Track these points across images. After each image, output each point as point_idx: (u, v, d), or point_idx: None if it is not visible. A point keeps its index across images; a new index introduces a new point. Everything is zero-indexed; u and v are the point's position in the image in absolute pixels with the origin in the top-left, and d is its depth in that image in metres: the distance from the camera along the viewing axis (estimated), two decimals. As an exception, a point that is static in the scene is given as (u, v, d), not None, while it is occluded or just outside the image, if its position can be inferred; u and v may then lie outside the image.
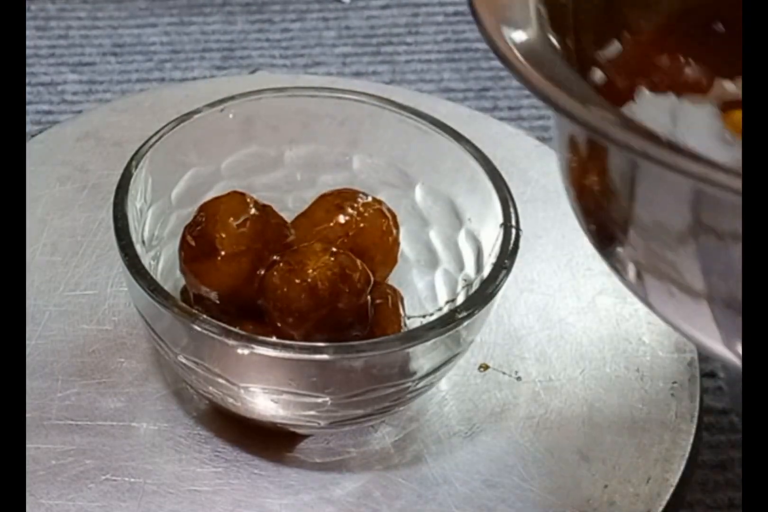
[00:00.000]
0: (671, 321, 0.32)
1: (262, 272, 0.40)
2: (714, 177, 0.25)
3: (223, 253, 0.40)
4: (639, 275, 0.31)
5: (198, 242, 0.40)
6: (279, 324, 0.40)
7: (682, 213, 0.28)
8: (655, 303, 0.32)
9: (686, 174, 0.25)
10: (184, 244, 0.41)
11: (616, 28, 0.33)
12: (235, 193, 0.42)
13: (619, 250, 0.31)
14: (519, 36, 0.29)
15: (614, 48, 0.33)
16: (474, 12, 0.29)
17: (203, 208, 0.41)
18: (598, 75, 0.32)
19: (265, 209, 0.41)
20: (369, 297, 0.41)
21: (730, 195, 0.25)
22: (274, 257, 0.40)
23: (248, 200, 0.41)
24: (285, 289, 0.40)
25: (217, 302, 0.41)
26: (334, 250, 0.40)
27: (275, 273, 0.40)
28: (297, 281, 0.39)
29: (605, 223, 0.31)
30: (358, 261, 0.41)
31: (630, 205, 0.29)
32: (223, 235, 0.40)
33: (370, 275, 0.41)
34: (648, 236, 0.30)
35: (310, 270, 0.39)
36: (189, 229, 0.41)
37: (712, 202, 0.27)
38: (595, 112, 0.27)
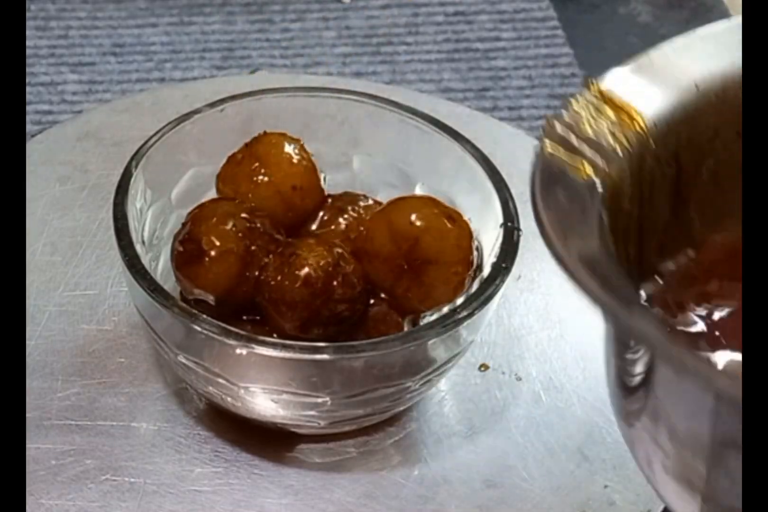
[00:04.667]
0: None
1: (258, 272, 0.40)
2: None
3: (211, 253, 0.40)
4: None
5: (186, 246, 0.41)
6: (275, 317, 0.40)
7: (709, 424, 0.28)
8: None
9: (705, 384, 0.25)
10: (174, 251, 0.41)
11: (680, 243, 0.33)
12: (220, 198, 0.43)
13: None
14: (579, 243, 0.29)
15: (674, 262, 0.33)
16: (537, 216, 0.29)
17: (190, 214, 0.42)
18: (658, 283, 0.32)
19: (253, 211, 0.41)
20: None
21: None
22: (267, 258, 0.40)
23: (234, 203, 0.42)
24: (279, 278, 0.40)
25: (214, 305, 0.41)
26: (327, 244, 0.40)
27: (269, 266, 0.40)
28: (290, 270, 0.39)
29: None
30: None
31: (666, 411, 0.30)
32: (210, 236, 0.40)
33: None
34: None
35: (304, 260, 0.39)
36: (177, 235, 0.41)
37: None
38: (638, 319, 0.27)
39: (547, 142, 0.30)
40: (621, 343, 0.31)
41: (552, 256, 0.29)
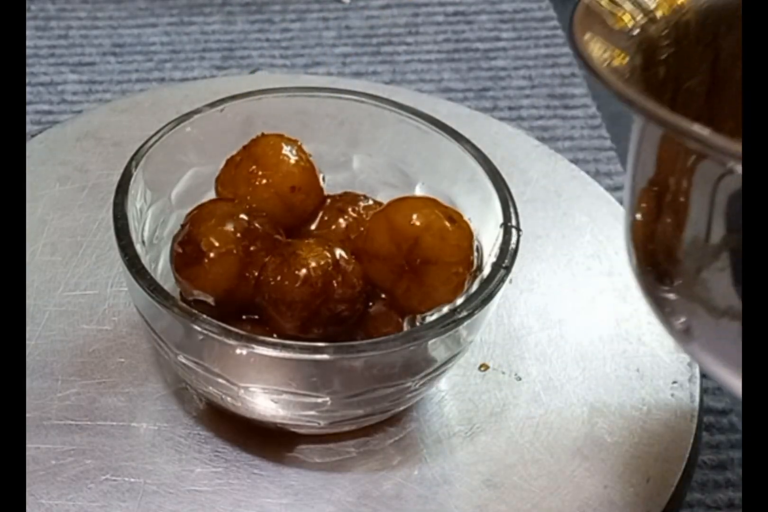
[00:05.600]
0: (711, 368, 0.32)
1: (257, 273, 0.40)
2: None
3: (210, 254, 0.40)
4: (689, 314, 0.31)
5: (185, 248, 0.41)
6: (275, 317, 0.40)
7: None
8: (704, 344, 0.32)
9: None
10: (173, 253, 0.41)
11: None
12: (218, 199, 0.43)
13: (670, 284, 0.31)
14: (614, 62, 0.29)
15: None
16: (572, 35, 0.29)
17: (189, 215, 0.42)
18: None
19: (252, 211, 0.41)
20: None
21: None
22: (267, 258, 0.40)
23: (233, 204, 0.42)
24: (279, 278, 0.40)
25: (214, 305, 0.41)
26: (327, 244, 0.40)
27: (269, 266, 0.40)
28: (290, 270, 0.39)
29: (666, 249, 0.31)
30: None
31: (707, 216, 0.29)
32: (209, 237, 0.40)
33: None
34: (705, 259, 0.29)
35: (303, 259, 0.39)
36: (177, 237, 0.41)
37: None
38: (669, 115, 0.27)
39: None
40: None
41: (584, 66, 0.28)
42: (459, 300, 0.41)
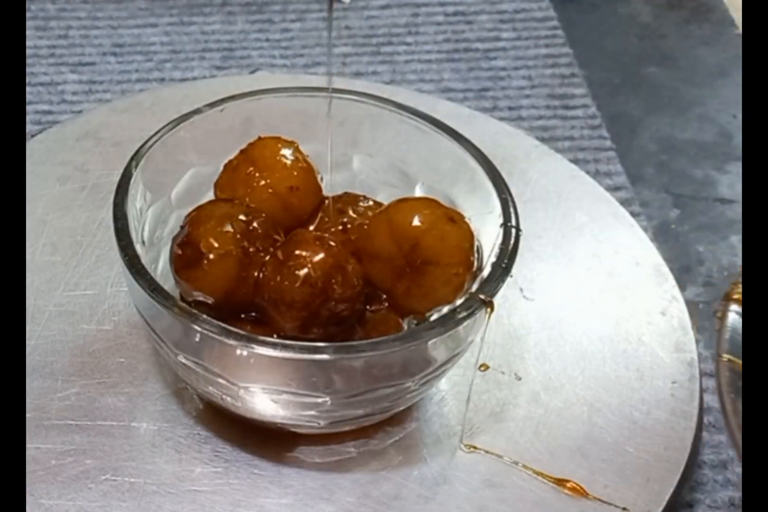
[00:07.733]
0: None
1: (257, 273, 0.40)
2: None
3: (210, 256, 0.40)
4: None
5: (185, 249, 0.41)
6: (275, 317, 0.40)
7: None
8: None
9: None
10: (173, 254, 0.41)
11: None
12: (217, 199, 0.43)
13: None
14: None
15: None
16: None
17: (188, 216, 0.42)
18: None
19: (251, 212, 0.41)
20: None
21: None
22: (266, 258, 0.40)
23: (232, 205, 0.42)
24: (278, 278, 0.40)
25: (212, 306, 0.41)
26: (327, 242, 0.40)
27: (268, 266, 0.40)
28: (290, 270, 0.39)
29: None
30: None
31: None
32: (208, 239, 0.40)
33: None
34: None
35: (302, 259, 0.39)
36: (176, 238, 0.41)
37: None
38: None
39: None
40: None
41: None
42: (459, 301, 0.41)
